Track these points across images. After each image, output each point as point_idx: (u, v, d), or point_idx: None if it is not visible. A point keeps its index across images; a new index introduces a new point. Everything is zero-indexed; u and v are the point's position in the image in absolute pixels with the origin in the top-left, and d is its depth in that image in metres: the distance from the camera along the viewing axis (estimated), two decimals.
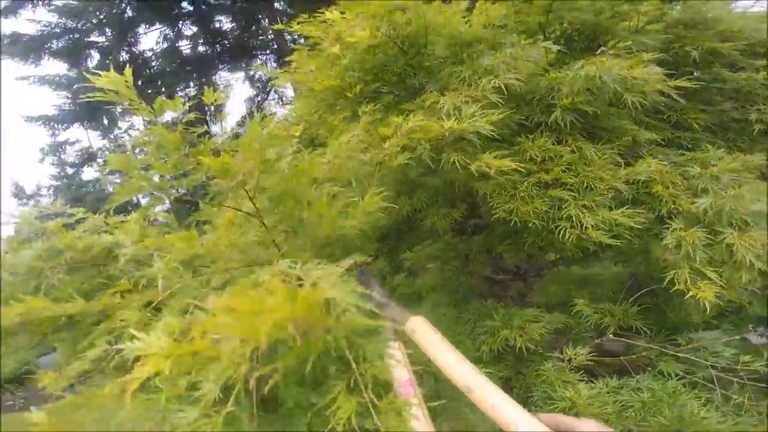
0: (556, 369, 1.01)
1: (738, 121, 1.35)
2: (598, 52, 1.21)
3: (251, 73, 6.96)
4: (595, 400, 0.94)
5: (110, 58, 6.53)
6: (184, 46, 6.92)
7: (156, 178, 1.03)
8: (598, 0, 1.32)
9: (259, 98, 7.36)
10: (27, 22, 7.88)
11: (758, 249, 0.90)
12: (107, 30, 6.49)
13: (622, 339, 1.10)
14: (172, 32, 6.66)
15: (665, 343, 1.12)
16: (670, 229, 0.96)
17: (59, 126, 7.72)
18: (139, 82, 6.41)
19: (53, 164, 12.40)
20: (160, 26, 6.62)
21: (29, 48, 6.31)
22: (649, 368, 1.10)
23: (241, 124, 6.78)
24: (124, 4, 6.32)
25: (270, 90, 7.10)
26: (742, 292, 1.00)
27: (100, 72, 0.83)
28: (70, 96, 7.17)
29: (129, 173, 1.00)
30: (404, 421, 0.53)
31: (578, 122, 1.11)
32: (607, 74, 1.07)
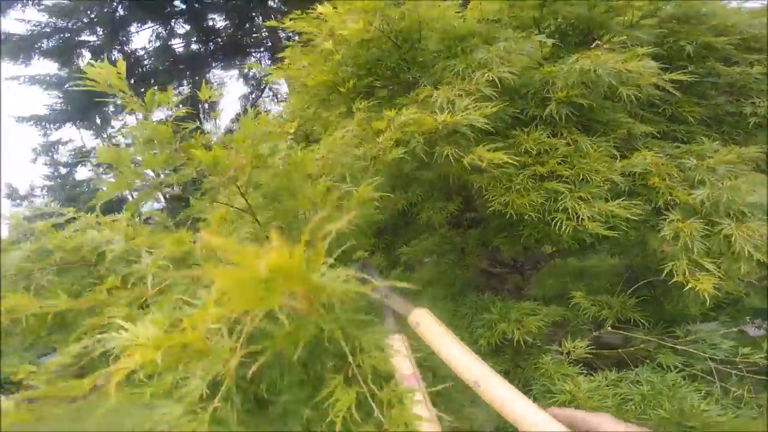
0: (554, 362, 1.01)
1: (732, 114, 1.35)
2: (592, 46, 1.20)
3: (245, 70, 6.93)
4: (594, 394, 0.93)
5: (102, 57, 6.47)
6: (177, 45, 6.87)
7: (147, 173, 1.01)
8: None
9: (253, 96, 7.33)
10: (16, 22, 7.79)
11: (756, 239, 0.89)
12: (98, 29, 6.43)
13: (621, 332, 1.09)
14: (165, 31, 6.61)
15: (663, 335, 1.12)
16: (668, 220, 0.95)
17: (51, 126, 7.65)
18: (132, 81, 6.36)
19: (46, 164, 12.30)
20: (152, 25, 6.57)
21: (19, 48, 6.24)
22: (648, 361, 1.09)
23: (235, 121, 6.76)
24: (115, 3, 6.26)
25: (264, 87, 7.08)
26: (739, 284, 1.00)
27: (93, 63, 0.82)
28: (61, 95, 7.10)
29: (119, 168, 0.98)
30: (407, 409, 0.52)
31: (573, 115, 1.11)
32: (601, 67, 1.07)
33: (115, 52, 6.69)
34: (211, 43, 6.87)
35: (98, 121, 7.63)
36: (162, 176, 1.04)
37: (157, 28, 6.61)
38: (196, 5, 6.56)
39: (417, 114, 0.98)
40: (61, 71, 6.82)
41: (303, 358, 0.62)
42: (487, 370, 0.64)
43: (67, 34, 6.43)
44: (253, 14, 6.73)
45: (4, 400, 0.53)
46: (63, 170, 12.35)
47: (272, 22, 1.71)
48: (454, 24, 1.28)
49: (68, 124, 7.71)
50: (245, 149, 0.89)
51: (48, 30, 6.38)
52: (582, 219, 0.92)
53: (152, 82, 6.61)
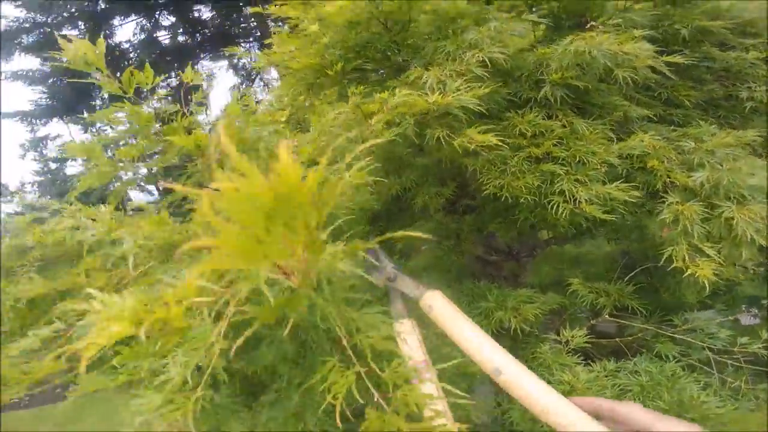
0: (553, 352, 0.97)
1: (728, 98, 1.33)
2: (587, 27, 1.17)
3: (235, 61, 6.84)
4: (593, 384, 0.90)
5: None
6: (163, 37, 6.76)
7: (128, 161, 0.96)
8: None
9: (243, 86, 7.24)
10: None
11: (758, 223, 0.87)
12: (80, 23, 6.30)
13: (618, 320, 1.06)
14: (149, 23, 6.49)
15: (661, 323, 1.10)
16: (667, 203, 0.92)
17: (37, 121, 7.52)
18: (118, 74, 6.21)
19: (35, 160, 12.11)
20: (136, 17, 6.44)
21: None
22: (645, 350, 1.07)
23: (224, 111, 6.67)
24: None
25: (255, 77, 6.99)
26: (739, 270, 0.97)
27: (70, 37, 0.77)
28: (46, 90, 6.98)
29: (93, 161, 0.93)
30: (415, 389, 0.47)
31: (568, 98, 1.08)
32: (597, 49, 1.04)
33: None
34: (198, 35, 6.76)
35: (86, 115, 7.50)
36: (147, 161, 0.99)
37: (141, 21, 6.49)
38: None
39: (410, 95, 0.94)
40: (44, 66, 6.68)
41: (295, 339, 0.58)
42: (509, 358, 0.60)
43: (48, 29, 6.28)
44: (241, 3, 6.63)
45: None
46: (53, 165, 12.16)
47: (257, 8, 1.66)
48: (444, 5, 1.24)
49: (55, 119, 7.58)
50: (230, 132, 0.84)
51: (27, 25, 6.24)
52: (579, 202, 0.89)
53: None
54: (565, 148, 0.97)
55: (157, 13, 6.54)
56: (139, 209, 1.11)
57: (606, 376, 0.96)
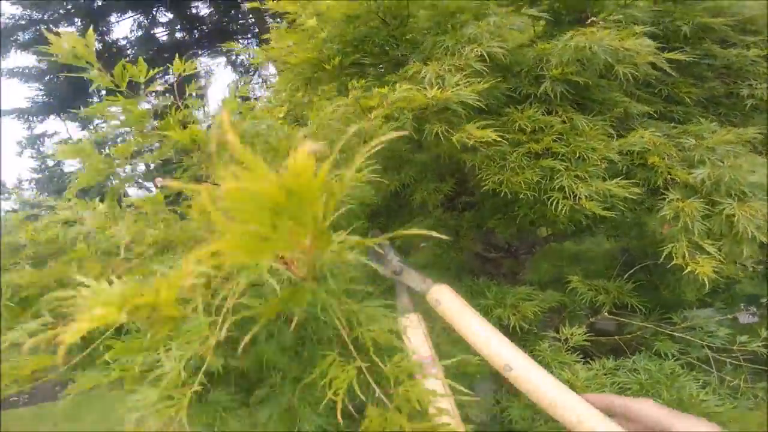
0: (552, 350, 0.97)
1: (729, 96, 1.32)
2: (587, 22, 1.17)
3: (233, 58, 6.80)
4: (592, 382, 0.89)
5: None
6: (161, 33, 6.72)
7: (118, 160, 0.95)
8: None
9: (242, 84, 7.20)
10: None
11: (759, 220, 0.86)
12: (76, 20, 6.26)
13: (618, 318, 1.06)
14: (146, 20, 6.46)
15: (660, 321, 1.09)
16: (667, 200, 0.91)
17: (34, 118, 7.48)
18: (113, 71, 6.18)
19: (32, 157, 12.05)
20: (133, 14, 6.41)
21: None
22: (644, 348, 1.06)
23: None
24: None
25: (253, 74, 6.97)
26: (739, 268, 0.97)
27: (57, 32, 0.75)
28: (42, 88, 6.93)
29: (85, 161, 0.92)
30: (418, 385, 0.46)
31: (568, 93, 1.07)
32: (597, 44, 1.03)
33: (96, 43, 6.51)
34: (195, 31, 6.73)
35: (81, 111, 7.46)
36: (143, 155, 0.98)
37: (138, 17, 6.46)
38: None
39: (410, 90, 0.93)
40: (40, 63, 6.64)
41: (293, 332, 0.56)
42: (518, 352, 0.58)
43: (44, 26, 6.24)
44: (239, 0, 6.61)
45: None
46: (50, 163, 12.11)
47: (254, 4, 1.65)
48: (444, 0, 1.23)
49: (52, 117, 7.54)
50: (227, 125, 0.83)
51: (23, 22, 6.18)
52: (579, 198, 0.88)
53: None
54: (565, 143, 0.96)
55: (154, 9, 6.50)
56: (134, 206, 1.10)
57: (605, 374, 0.95)
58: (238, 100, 0.95)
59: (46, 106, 7.06)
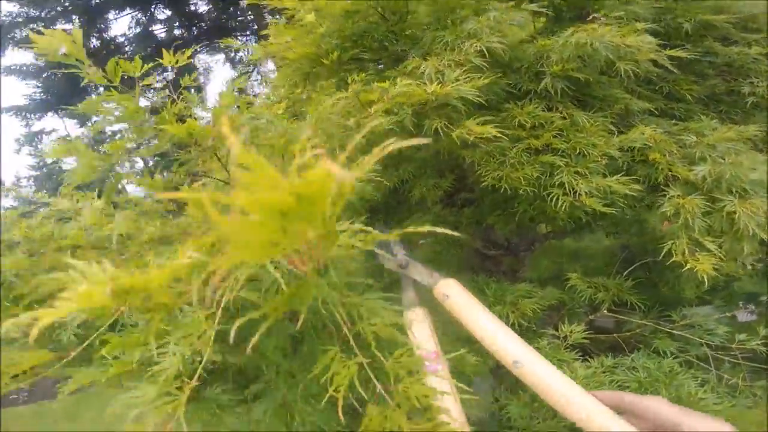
0: (551, 347, 0.96)
1: (730, 94, 1.32)
2: (589, 19, 1.16)
3: (232, 54, 6.78)
4: (590, 380, 0.89)
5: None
6: (159, 30, 6.69)
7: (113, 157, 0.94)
8: None
9: (241, 80, 7.18)
10: None
11: (760, 217, 0.85)
12: (74, 17, 6.22)
13: (617, 315, 1.05)
14: (145, 17, 6.43)
15: (659, 319, 1.08)
16: (668, 196, 0.91)
17: (32, 116, 7.45)
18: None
19: (30, 154, 12.01)
20: (132, 11, 6.38)
21: None
22: (643, 345, 1.06)
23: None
24: None
25: (252, 71, 6.95)
26: (738, 266, 0.96)
27: (43, 31, 0.75)
28: (40, 85, 6.90)
29: (78, 157, 0.91)
30: (418, 382, 0.45)
31: (569, 90, 1.06)
32: (599, 41, 1.02)
33: (94, 40, 6.50)
34: (194, 28, 6.70)
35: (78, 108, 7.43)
36: (140, 149, 0.97)
37: (136, 14, 6.43)
38: None
39: (410, 85, 0.92)
40: (38, 60, 6.61)
41: (299, 328, 0.56)
42: (526, 348, 0.58)
43: (41, 24, 6.20)
44: None
45: None
46: (48, 160, 12.06)
47: (253, 0, 1.63)
48: None
49: (50, 114, 7.51)
50: (225, 118, 0.82)
51: (20, 20, 6.15)
52: (579, 194, 0.88)
53: None
54: (565, 139, 0.96)
55: (153, 6, 6.48)
56: (132, 202, 1.09)
57: (604, 372, 0.95)
58: (236, 93, 0.94)
59: (44, 103, 7.03)
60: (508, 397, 1.00)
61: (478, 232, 1.28)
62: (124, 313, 0.59)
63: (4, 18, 6.12)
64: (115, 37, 6.67)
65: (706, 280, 0.85)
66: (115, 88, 0.79)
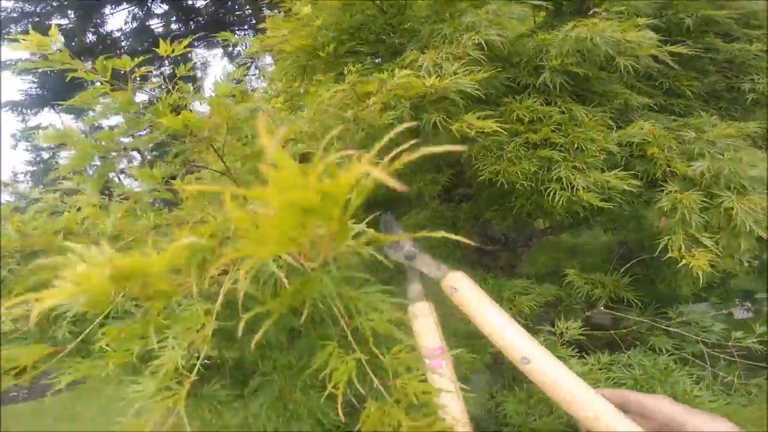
0: (548, 344, 0.96)
1: (731, 90, 1.31)
2: (589, 13, 1.15)
3: (229, 49, 6.74)
4: (587, 377, 0.88)
5: (75, 40, 6.22)
6: (156, 25, 6.64)
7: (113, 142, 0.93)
8: None
9: (238, 75, 7.14)
10: None
11: (758, 213, 0.85)
12: (70, 12, 6.17)
13: (614, 312, 1.05)
14: (141, 11, 6.38)
15: (655, 316, 1.08)
16: (666, 191, 0.90)
17: (29, 111, 7.40)
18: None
19: (27, 150, 11.93)
20: (128, 6, 6.33)
21: None
22: (639, 342, 1.06)
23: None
24: None
25: (250, 65, 6.92)
26: (736, 262, 0.96)
27: (19, 37, 0.73)
28: (36, 80, 6.85)
29: (70, 144, 0.89)
30: (416, 378, 0.44)
31: (568, 84, 1.06)
32: (599, 36, 1.01)
33: (90, 35, 6.44)
34: (191, 22, 6.65)
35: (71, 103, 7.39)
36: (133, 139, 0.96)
37: (133, 9, 6.38)
38: None
39: (410, 77, 0.91)
40: (34, 56, 6.55)
41: (303, 323, 0.55)
42: (534, 343, 0.57)
43: (36, 19, 6.14)
44: None
45: None
46: (45, 155, 11.99)
47: None
48: None
49: (46, 109, 7.46)
50: (220, 109, 0.81)
51: (15, 15, 6.10)
52: (576, 189, 0.87)
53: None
54: (564, 134, 0.95)
55: (150, 1, 6.43)
56: (125, 197, 1.08)
57: (600, 369, 0.95)
58: (232, 83, 0.93)
59: (40, 98, 6.99)
60: (504, 393, 1.00)
61: (476, 228, 1.27)
62: (119, 304, 0.58)
63: None
64: (112, 32, 6.62)
65: (701, 276, 0.85)
66: (108, 82, 0.78)
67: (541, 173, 0.91)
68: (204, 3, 6.81)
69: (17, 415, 4.22)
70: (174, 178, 0.91)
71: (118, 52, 6.46)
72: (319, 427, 0.59)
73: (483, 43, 0.98)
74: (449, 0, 1.18)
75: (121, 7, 6.43)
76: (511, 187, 0.91)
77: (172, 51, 0.85)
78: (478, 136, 0.92)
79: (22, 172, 12.51)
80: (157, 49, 0.87)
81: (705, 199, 0.89)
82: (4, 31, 6.13)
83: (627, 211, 1.00)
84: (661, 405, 0.50)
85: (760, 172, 0.95)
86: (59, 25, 6.33)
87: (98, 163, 0.93)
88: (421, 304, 0.65)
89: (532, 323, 1.04)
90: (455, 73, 0.93)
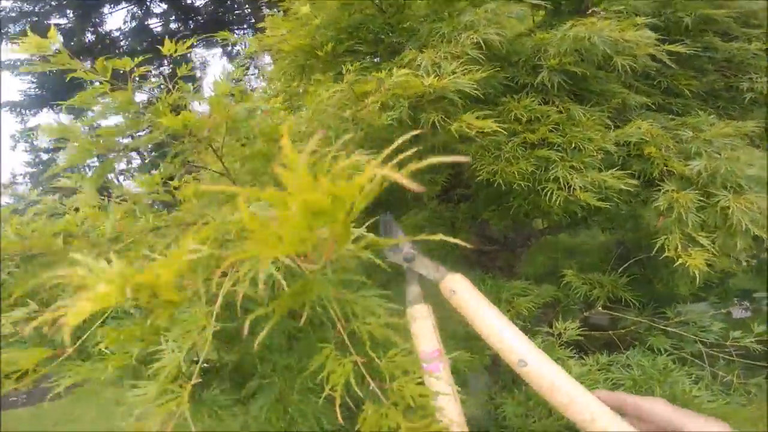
0: (546, 345, 0.96)
1: (729, 89, 1.31)
2: (588, 13, 1.15)
3: (229, 48, 6.72)
4: (585, 378, 0.89)
5: (74, 40, 6.20)
6: (155, 24, 6.63)
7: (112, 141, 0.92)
8: None
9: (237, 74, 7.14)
10: None
11: (755, 212, 0.85)
12: (68, 11, 6.15)
13: (612, 312, 1.05)
14: (140, 10, 6.37)
15: (654, 316, 1.08)
16: (662, 190, 0.90)
17: (27, 111, 7.39)
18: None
19: (26, 151, 11.90)
20: (127, 5, 6.31)
21: None
22: (638, 342, 1.06)
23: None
24: None
25: (249, 65, 6.91)
26: (732, 262, 0.96)
27: (20, 39, 0.73)
28: (35, 81, 6.83)
29: (71, 139, 0.89)
30: (412, 381, 0.44)
31: (566, 84, 1.06)
32: (597, 35, 1.01)
33: (89, 35, 6.43)
34: (191, 22, 6.64)
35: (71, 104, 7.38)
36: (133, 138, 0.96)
37: (132, 8, 6.36)
38: None
39: (408, 76, 0.91)
40: (33, 56, 6.53)
41: (288, 323, 0.55)
42: (533, 348, 0.57)
43: (35, 18, 6.13)
44: None
45: None
46: (44, 156, 11.96)
47: None
48: None
49: (45, 110, 7.45)
50: (220, 109, 0.81)
51: (14, 14, 6.08)
52: (574, 189, 0.87)
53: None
54: (561, 134, 0.95)
55: (149, 0, 6.43)
56: (123, 198, 1.08)
57: (599, 370, 0.95)
58: (231, 83, 0.93)
59: (39, 98, 6.97)
60: (503, 395, 1.00)
61: (475, 228, 1.27)
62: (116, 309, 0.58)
63: None
64: (111, 31, 6.61)
65: (698, 275, 0.85)
66: (108, 82, 0.78)
67: (539, 173, 0.91)
68: (203, 2, 6.81)
69: (17, 419, 4.21)
70: (173, 178, 0.91)
71: (117, 51, 6.45)
72: (318, 430, 0.59)
73: (481, 42, 0.98)
74: None
75: (120, 7, 6.42)
76: (508, 187, 0.91)
77: (176, 50, 0.85)
78: (476, 136, 0.92)
79: (20, 174, 12.52)
80: (156, 49, 0.87)
81: (702, 198, 0.89)
82: (2, 31, 6.12)
83: (624, 211, 1.00)
84: (658, 407, 0.50)
85: (758, 171, 0.95)
86: (58, 25, 6.32)
87: (97, 163, 0.93)
88: (419, 306, 0.65)
89: (530, 324, 1.04)
90: (454, 73, 0.93)
